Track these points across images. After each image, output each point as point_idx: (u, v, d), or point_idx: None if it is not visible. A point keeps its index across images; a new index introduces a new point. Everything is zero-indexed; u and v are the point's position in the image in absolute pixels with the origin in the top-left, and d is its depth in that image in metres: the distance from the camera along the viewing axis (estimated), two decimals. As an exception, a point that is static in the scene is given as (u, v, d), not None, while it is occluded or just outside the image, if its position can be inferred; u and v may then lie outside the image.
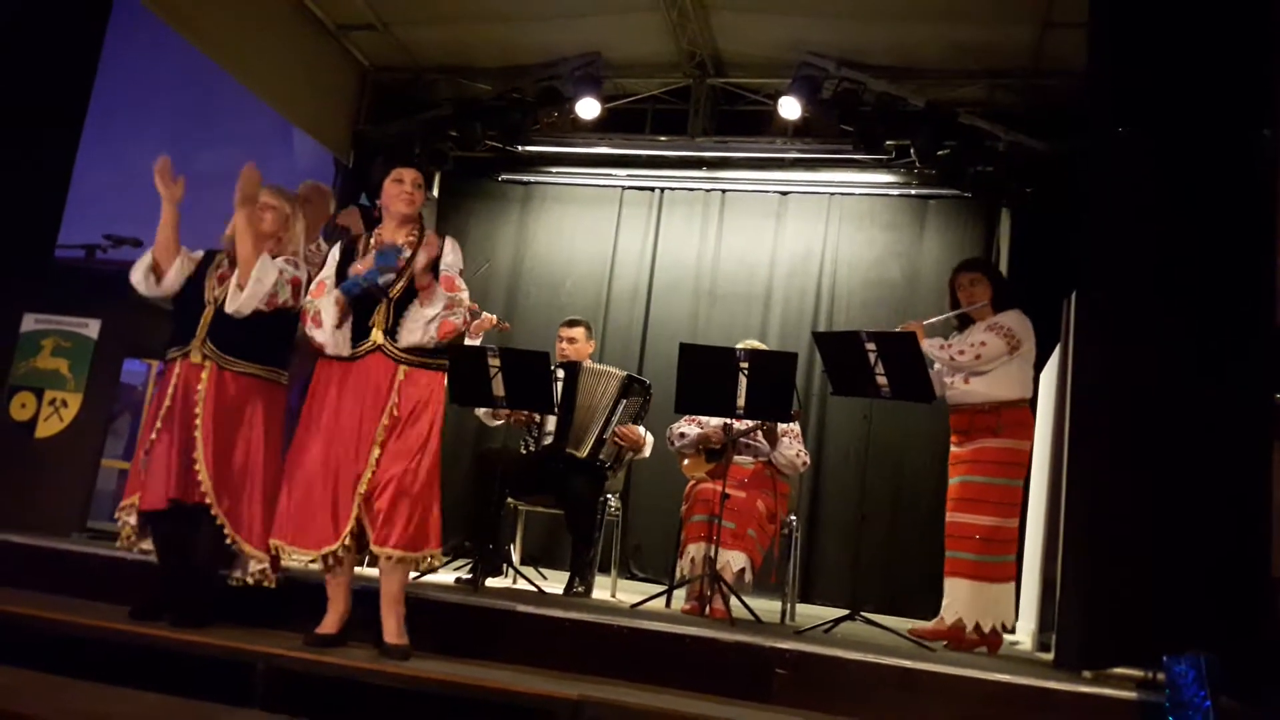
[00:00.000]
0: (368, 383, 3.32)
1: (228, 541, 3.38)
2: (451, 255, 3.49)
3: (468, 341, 5.26)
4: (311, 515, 3.26)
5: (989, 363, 4.08)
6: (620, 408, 4.75)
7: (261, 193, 3.59)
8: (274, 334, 3.55)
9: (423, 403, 3.34)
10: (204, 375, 3.44)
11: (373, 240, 3.49)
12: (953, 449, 4.25)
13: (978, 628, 4.03)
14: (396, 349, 3.34)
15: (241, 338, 3.48)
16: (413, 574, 3.40)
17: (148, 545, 3.55)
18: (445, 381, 3.47)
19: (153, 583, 3.56)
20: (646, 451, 4.94)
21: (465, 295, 3.45)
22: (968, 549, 4.06)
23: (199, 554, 3.44)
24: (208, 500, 3.35)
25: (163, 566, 3.52)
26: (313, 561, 3.29)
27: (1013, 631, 4.43)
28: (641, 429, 4.83)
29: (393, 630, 3.25)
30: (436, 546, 3.32)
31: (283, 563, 3.43)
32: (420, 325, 3.34)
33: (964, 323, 4.35)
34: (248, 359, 3.49)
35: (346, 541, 3.23)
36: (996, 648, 4.09)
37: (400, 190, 3.47)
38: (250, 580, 3.41)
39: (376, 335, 3.35)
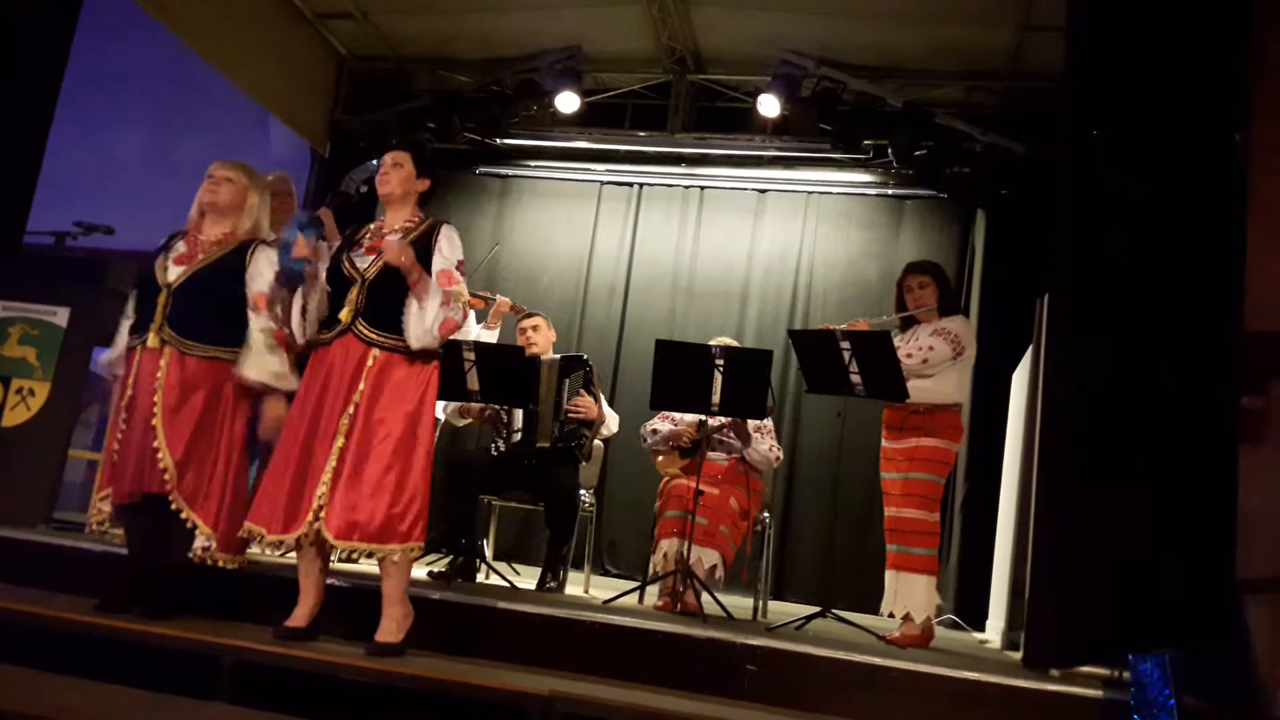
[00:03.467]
0: (336, 369, 3.24)
1: (181, 516, 3.30)
2: (448, 247, 3.39)
3: (489, 330, 5.23)
4: (277, 502, 3.20)
5: (934, 367, 4.12)
6: (565, 387, 4.71)
7: (215, 165, 3.51)
8: (236, 314, 3.41)
9: (400, 391, 3.22)
10: (162, 362, 3.35)
11: (375, 228, 3.46)
12: (885, 444, 4.28)
13: (908, 616, 4.09)
14: (369, 332, 3.23)
15: (200, 320, 3.38)
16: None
17: (119, 531, 3.50)
18: (435, 373, 3.33)
19: (120, 575, 3.52)
20: (613, 425, 4.90)
21: (463, 289, 3.36)
22: (923, 544, 4.10)
23: (174, 546, 3.37)
24: (169, 487, 3.28)
25: (132, 558, 3.48)
26: (277, 547, 3.23)
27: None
28: (595, 399, 4.74)
29: (385, 629, 3.18)
30: (418, 540, 3.20)
31: (251, 549, 3.37)
32: (422, 330, 3.22)
33: (906, 323, 4.38)
34: (208, 341, 3.38)
35: (305, 531, 3.14)
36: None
37: (379, 175, 3.47)
38: (193, 557, 3.32)
39: (345, 315, 3.25)
